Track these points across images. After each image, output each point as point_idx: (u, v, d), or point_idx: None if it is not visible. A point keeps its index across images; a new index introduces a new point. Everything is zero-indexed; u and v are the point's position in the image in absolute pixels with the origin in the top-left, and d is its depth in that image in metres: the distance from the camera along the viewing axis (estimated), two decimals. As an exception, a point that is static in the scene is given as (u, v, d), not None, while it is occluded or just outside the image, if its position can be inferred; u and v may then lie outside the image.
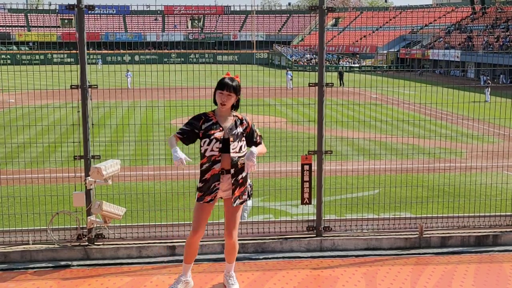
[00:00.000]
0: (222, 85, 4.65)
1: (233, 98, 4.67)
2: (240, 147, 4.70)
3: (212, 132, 4.63)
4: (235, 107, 4.77)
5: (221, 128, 4.66)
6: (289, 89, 28.17)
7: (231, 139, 4.65)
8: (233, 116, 4.76)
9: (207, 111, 4.85)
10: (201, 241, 5.80)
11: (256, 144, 4.78)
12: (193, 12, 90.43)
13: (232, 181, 4.70)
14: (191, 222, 4.87)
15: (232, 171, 4.68)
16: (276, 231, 6.05)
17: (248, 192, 4.89)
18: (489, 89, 26.17)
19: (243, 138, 4.73)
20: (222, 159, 4.65)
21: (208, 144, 4.62)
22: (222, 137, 4.63)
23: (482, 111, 8.90)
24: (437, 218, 6.37)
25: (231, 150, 4.64)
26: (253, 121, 4.88)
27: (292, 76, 31.71)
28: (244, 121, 4.78)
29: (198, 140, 4.76)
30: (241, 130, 4.72)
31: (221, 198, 4.83)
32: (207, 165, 4.68)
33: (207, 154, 4.65)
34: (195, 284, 5.09)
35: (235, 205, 4.77)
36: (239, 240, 5.73)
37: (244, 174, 4.76)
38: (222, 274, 5.21)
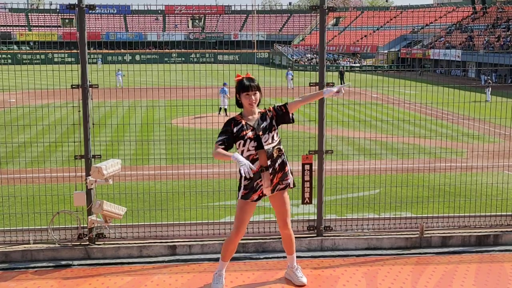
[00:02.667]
0: (246, 87, 4.76)
1: (258, 95, 4.82)
2: (272, 137, 4.80)
3: (244, 133, 4.75)
4: (258, 103, 4.88)
5: (252, 128, 4.77)
6: (290, 89, 28.15)
7: (260, 133, 4.76)
8: (258, 113, 4.87)
9: (234, 116, 4.92)
10: (201, 241, 5.83)
11: (291, 107, 4.89)
12: (194, 12, 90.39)
13: (270, 171, 4.79)
14: (234, 220, 4.96)
15: (269, 162, 4.77)
16: (277, 231, 6.04)
17: (290, 180, 4.94)
18: (490, 88, 26.18)
19: (273, 127, 4.83)
20: (259, 156, 4.76)
21: (244, 145, 4.74)
22: (255, 135, 4.74)
23: (483, 111, 8.90)
24: (438, 218, 6.37)
25: (264, 144, 4.75)
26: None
27: (293, 76, 31.59)
28: (267, 112, 4.88)
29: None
30: (268, 121, 4.82)
31: (265, 195, 4.89)
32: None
33: (245, 154, 4.75)
34: (195, 284, 5.10)
35: (275, 192, 4.86)
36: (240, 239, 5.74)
37: (280, 160, 4.83)
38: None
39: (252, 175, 4.63)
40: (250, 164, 4.58)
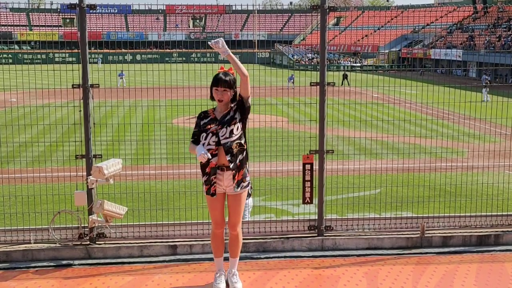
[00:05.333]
0: (216, 82, 4.69)
1: (228, 93, 4.70)
2: (231, 131, 4.68)
3: (209, 126, 4.70)
4: (233, 100, 4.78)
5: (218, 123, 4.70)
6: (291, 89, 28.12)
7: (219, 127, 4.68)
8: (230, 107, 4.78)
9: (208, 109, 4.88)
10: (201, 240, 5.83)
11: (241, 90, 4.73)
12: (195, 11, 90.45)
13: (232, 166, 4.71)
14: (206, 219, 4.96)
15: (228, 157, 4.68)
16: (277, 231, 6.05)
17: (248, 179, 4.89)
18: (487, 88, 26.13)
19: (234, 120, 4.70)
20: (219, 153, 4.70)
21: (205, 138, 4.69)
22: (216, 130, 4.67)
23: (484, 111, 8.89)
24: (439, 217, 6.37)
25: (220, 138, 4.67)
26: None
27: (294, 81, 31.21)
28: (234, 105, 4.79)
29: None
30: (231, 114, 4.72)
31: (225, 192, 4.84)
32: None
33: (206, 147, 4.69)
34: (196, 284, 5.10)
35: (238, 189, 4.78)
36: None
37: (241, 157, 4.74)
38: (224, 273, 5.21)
39: (208, 157, 4.59)
40: (204, 150, 4.59)
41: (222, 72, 4.73)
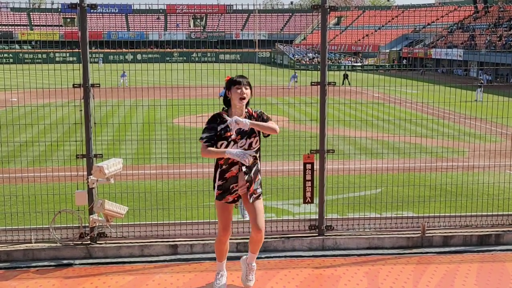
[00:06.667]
0: (237, 81, 4.65)
1: (249, 91, 4.68)
2: (250, 144, 4.68)
3: (229, 134, 4.63)
4: (247, 104, 4.76)
5: (236, 132, 4.65)
6: (292, 88, 28.10)
7: (238, 137, 4.65)
8: (245, 113, 4.74)
9: (220, 112, 4.80)
10: (202, 240, 5.83)
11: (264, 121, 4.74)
12: (196, 11, 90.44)
13: (246, 178, 4.70)
14: (217, 221, 4.90)
15: (244, 168, 4.68)
16: (278, 230, 6.06)
17: (259, 191, 4.86)
18: (482, 88, 26.13)
19: (254, 134, 4.70)
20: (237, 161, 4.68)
21: (226, 147, 4.63)
22: (235, 139, 4.64)
23: (484, 110, 8.88)
24: (440, 217, 6.37)
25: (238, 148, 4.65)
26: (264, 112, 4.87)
27: (296, 79, 31.13)
28: (253, 114, 4.75)
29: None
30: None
31: (240, 198, 4.84)
32: (225, 166, 4.70)
33: (225, 156, 4.64)
34: (197, 284, 5.10)
35: (251, 201, 4.77)
36: (242, 239, 5.76)
37: (255, 169, 4.76)
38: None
39: (250, 158, 4.59)
40: (246, 152, 4.56)
41: (237, 75, 4.71)
